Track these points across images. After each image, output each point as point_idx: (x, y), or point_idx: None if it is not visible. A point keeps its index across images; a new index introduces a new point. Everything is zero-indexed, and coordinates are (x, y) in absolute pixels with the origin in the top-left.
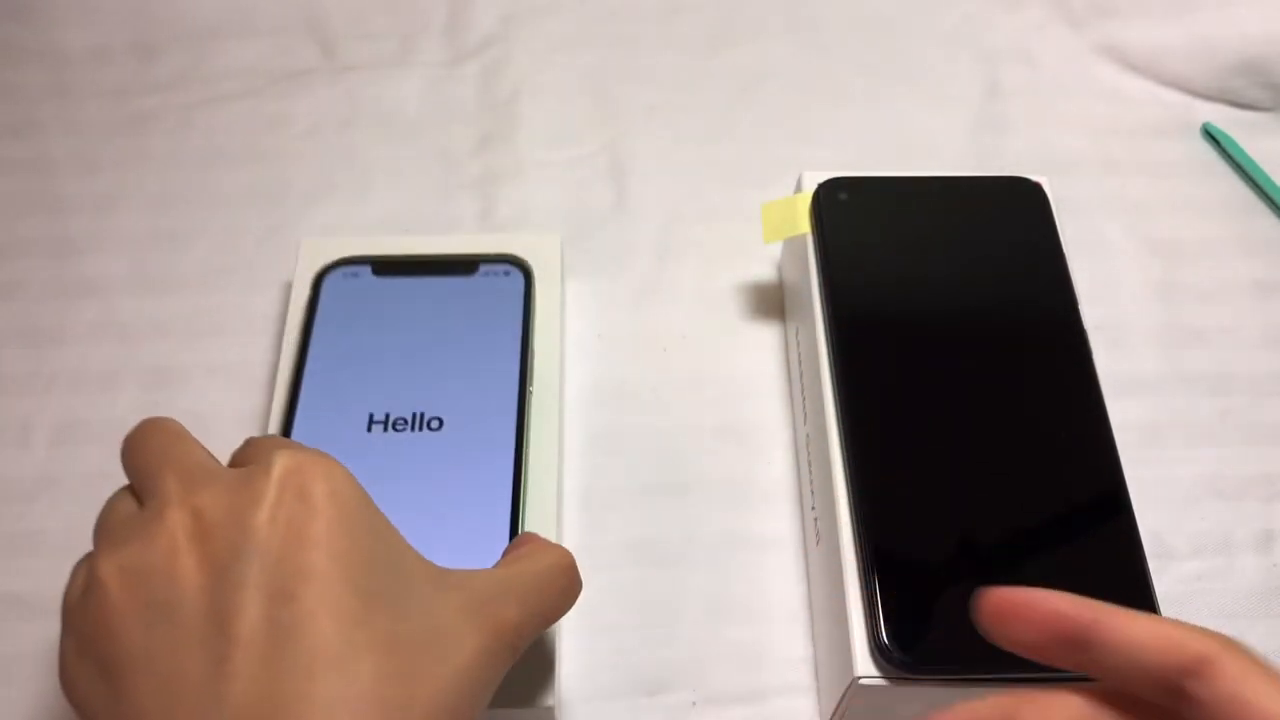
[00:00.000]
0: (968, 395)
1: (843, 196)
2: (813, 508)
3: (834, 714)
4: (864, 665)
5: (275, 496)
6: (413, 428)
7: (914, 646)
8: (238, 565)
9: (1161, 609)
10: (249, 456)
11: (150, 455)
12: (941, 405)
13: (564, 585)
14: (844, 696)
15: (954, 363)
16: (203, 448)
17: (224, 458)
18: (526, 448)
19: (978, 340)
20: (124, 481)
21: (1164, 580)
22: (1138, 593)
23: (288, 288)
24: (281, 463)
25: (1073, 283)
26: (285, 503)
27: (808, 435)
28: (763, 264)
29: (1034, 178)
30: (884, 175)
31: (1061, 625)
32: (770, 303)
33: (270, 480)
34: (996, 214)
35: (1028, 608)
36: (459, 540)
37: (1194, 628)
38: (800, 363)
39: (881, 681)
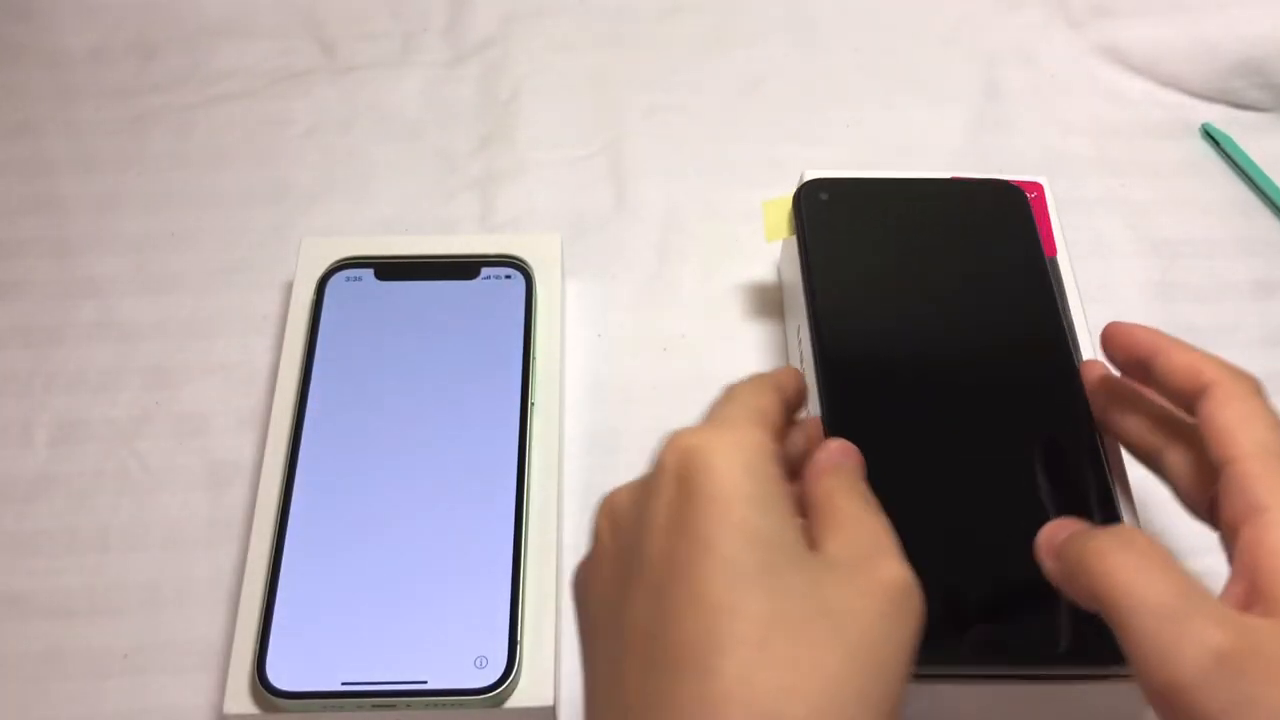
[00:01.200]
0: (948, 397)
1: (824, 197)
2: None
3: None
4: None
5: (664, 495)
6: (414, 429)
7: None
8: (634, 565)
9: None
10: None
11: None
12: (922, 408)
13: None
14: None
15: (933, 366)
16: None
17: (224, 457)
18: (528, 451)
19: (956, 343)
20: (121, 481)
21: None
22: None
23: (288, 288)
24: (670, 455)
25: (1052, 284)
26: (671, 500)
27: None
28: (763, 264)
29: (1034, 178)
30: (866, 176)
31: (1136, 349)
32: (770, 303)
33: (662, 476)
34: (979, 216)
35: (1117, 333)
36: (460, 541)
37: (1220, 361)
38: (801, 362)
39: None
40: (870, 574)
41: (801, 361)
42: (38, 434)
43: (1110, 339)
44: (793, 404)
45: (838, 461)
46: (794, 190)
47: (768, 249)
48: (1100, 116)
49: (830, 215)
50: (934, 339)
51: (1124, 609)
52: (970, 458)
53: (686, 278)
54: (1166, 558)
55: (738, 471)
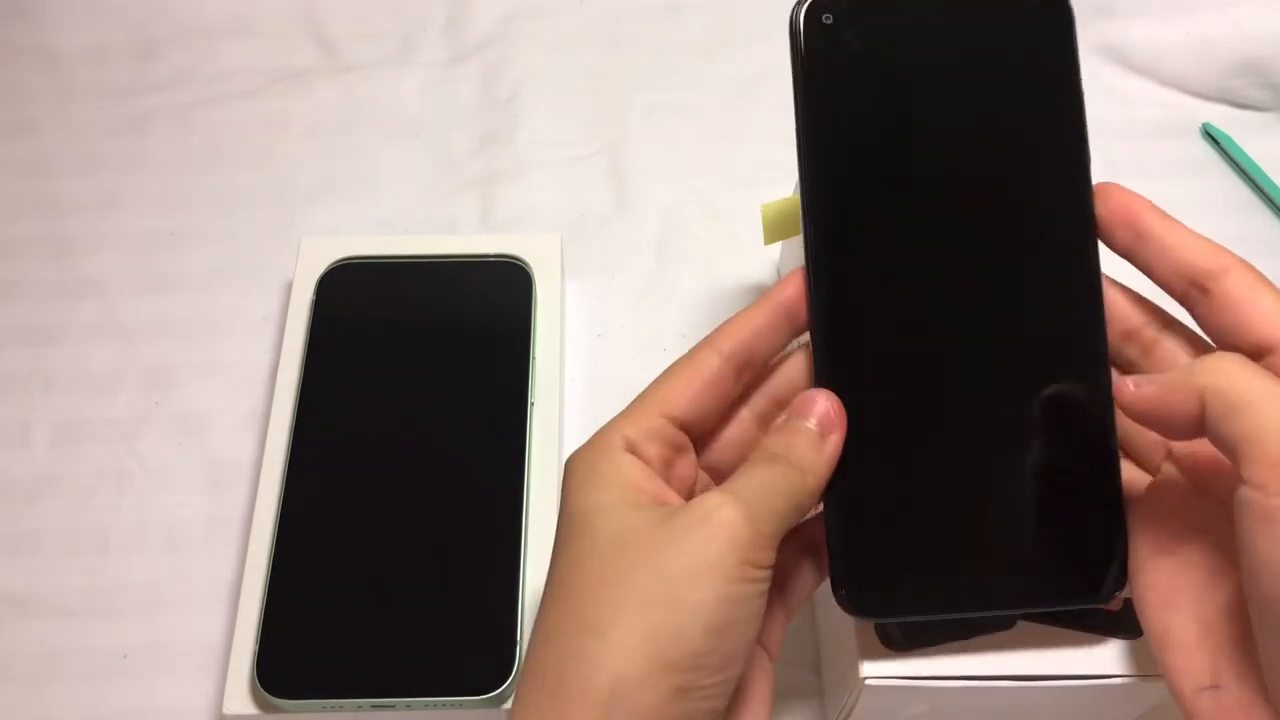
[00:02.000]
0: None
1: (827, 19)
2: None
3: (839, 715)
4: (871, 666)
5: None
6: (413, 429)
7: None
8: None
9: None
10: None
11: None
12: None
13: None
14: (849, 697)
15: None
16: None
17: (224, 457)
18: (528, 451)
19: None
20: (121, 481)
21: None
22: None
23: (288, 288)
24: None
25: (1086, 134)
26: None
27: None
28: (762, 264)
29: None
30: None
31: (1129, 214)
32: None
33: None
34: (1012, 40)
35: (1115, 200)
36: (460, 541)
37: (1228, 250)
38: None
39: (890, 682)
40: (684, 509)
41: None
42: (38, 434)
43: (1107, 199)
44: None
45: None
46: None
47: (768, 249)
48: (1101, 116)
49: (833, 42)
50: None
51: (1249, 396)
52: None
53: (686, 278)
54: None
55: (578, 470)
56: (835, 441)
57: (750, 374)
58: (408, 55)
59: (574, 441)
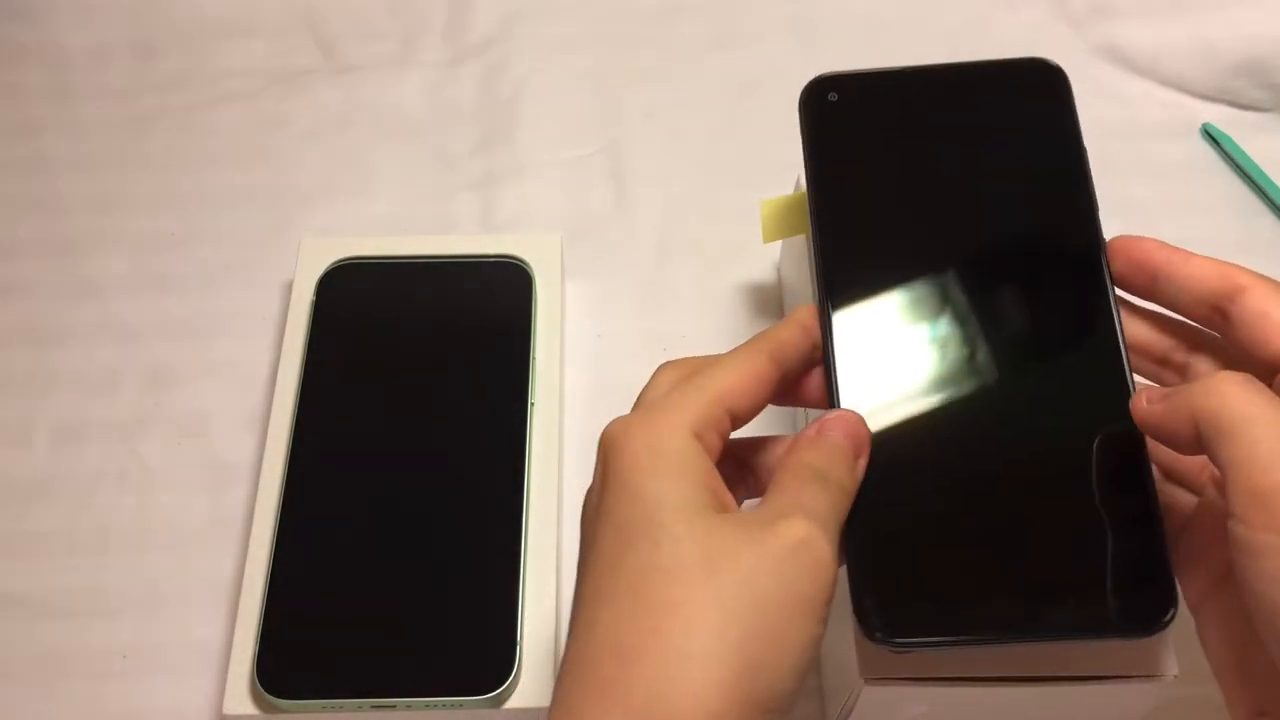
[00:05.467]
0: (963, 322)
1: (833, 97)
2: None
3: (838, 714)
4: (871, 667)
5: (595, 479)
6: (413, 429)
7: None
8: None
9: None
10: None
11: None
12: (937, 340)
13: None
14: (849, 699)
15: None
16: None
17: (224, 457)
18: (528, 450)
19: (972, 245)
20: (121, 481)
21: None
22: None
23: (288, 288)
24: (600, 444)
25: (1092, 184)
26: (596, 484)
27: None
28: (763, 264)
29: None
30: (881, 70)
31: (1140, 258)
32: (770, 303)
33: (596, 463)
34: (1010, 104)
35: (1127, 245)
36: (460, 541)
37: (1241, 267)
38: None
39: (890, 682)
40: (769, 529)
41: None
42: (38, 434)
43: (1119, 251)
44: (783, 358)
45: (819, 439)
46: (799, 190)
47: (768, 249)
48: (1101, 117)
49: (839, 119)
50: (949, 247)
51: (1238, 420)
52: (988, 393)
53: (686, 278)
54: (1269, 391)
55: (639, 450)
56: (863, 465)
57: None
58: (408, 55)
59: (574, 441)
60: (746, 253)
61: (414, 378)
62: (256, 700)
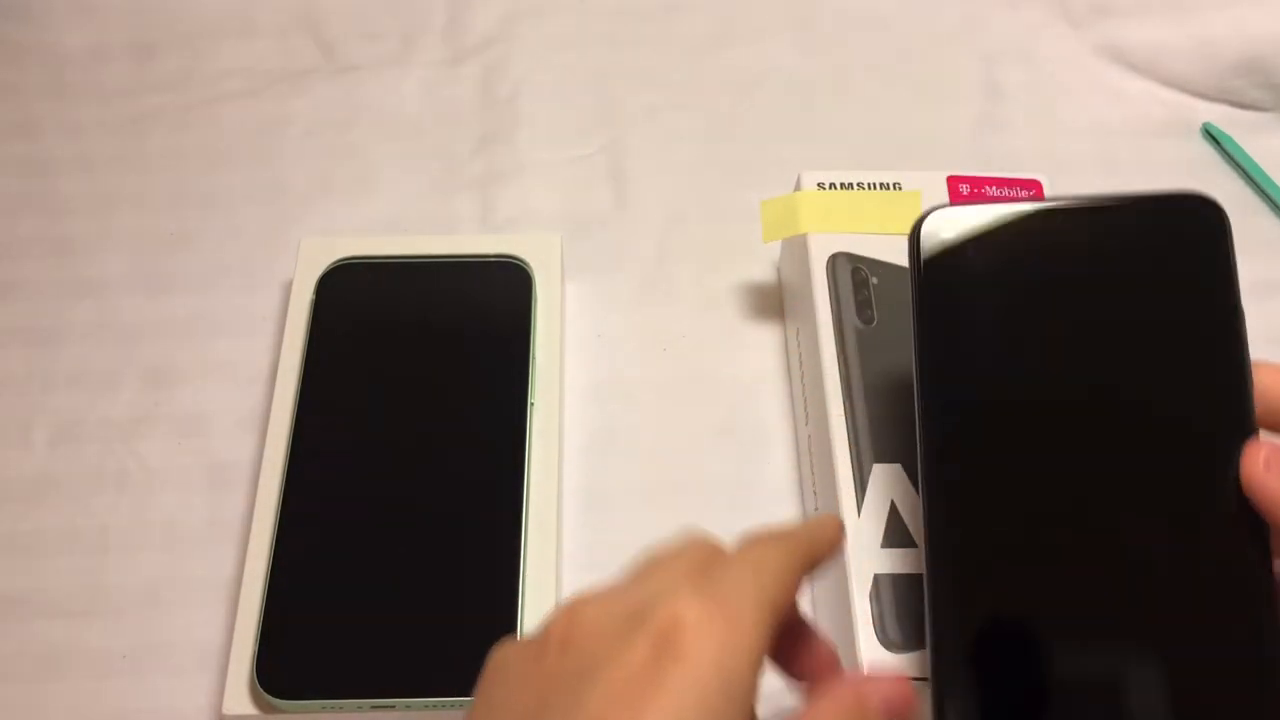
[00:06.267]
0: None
1: (947, 235)
2: (815, 508)
3: None
4: (871, 665)
5: (636, 650)
6: (413, 429)
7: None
8: (567, 697)
9: None
10: (653, 580)
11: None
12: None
13: None
14: None
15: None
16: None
17: (224, 457)
18: (528, 451)
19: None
20: (121, 481)
21: None
22: None
23: (288, 288)
24: (661, 613)
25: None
26: (641, 661)
27: (809, 435)
28: (763, 264)
29: (1040, 177)
30: (1002, 203)
31: None
32: (770, 303)
33: (641, 630)
34: (1155, 243)
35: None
36: (460, 541)
37: None
38: (800, 363)
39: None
40: None
41: (801, 362)
42: (37, 434)
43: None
44: (817, 559)
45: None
46: (800, 190)
47: (768, 249)
48: (1100, 116)
49: (956, 258)
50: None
51: None
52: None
53: (686, 278)
54: None
55: (709, 665)
56: None
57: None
58: (408, 55)
59: (574, 441)
60: (746, 253)
61: (414, 378)
62: (256, 700)
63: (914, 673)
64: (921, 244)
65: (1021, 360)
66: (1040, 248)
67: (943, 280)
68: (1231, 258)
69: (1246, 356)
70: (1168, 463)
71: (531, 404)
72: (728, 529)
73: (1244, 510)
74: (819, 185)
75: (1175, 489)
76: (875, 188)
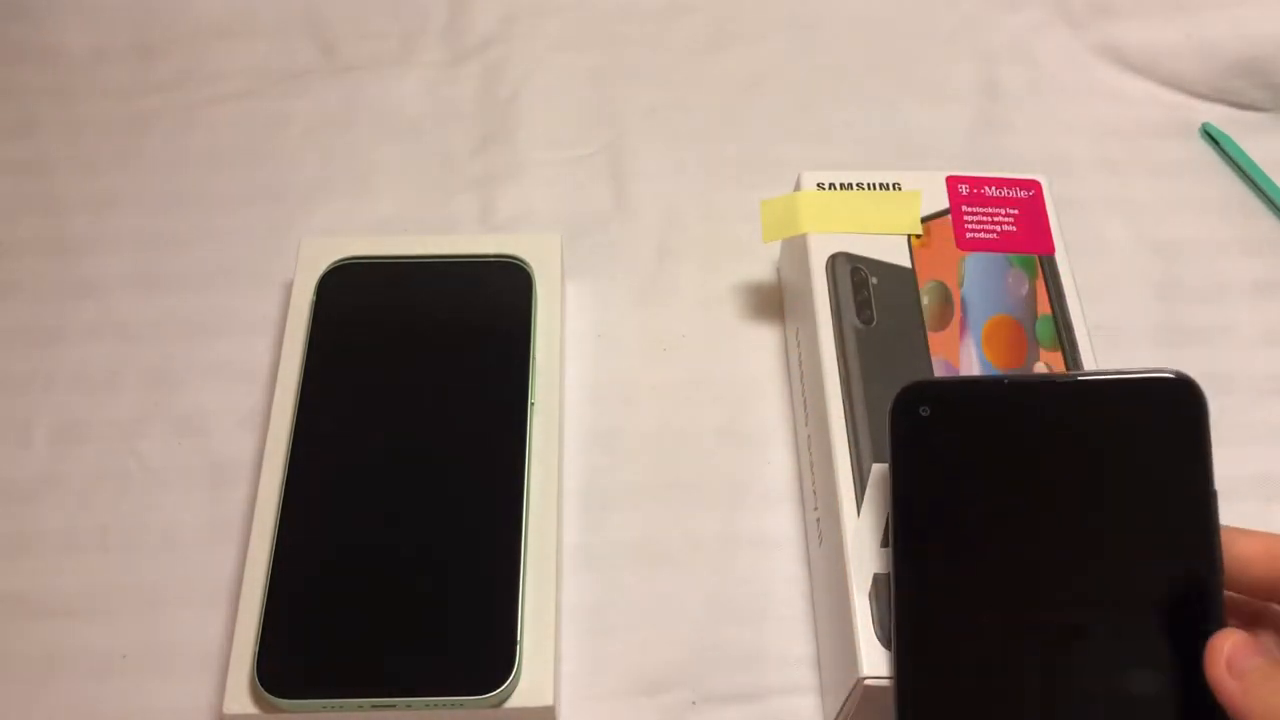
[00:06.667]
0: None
1: (924, 412)
2: (815, 508)
3: (838, 714)
4: (870, 665)
5: None
6: (413, 429)
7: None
8: None
9: None
10: None
11: None
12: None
13: None
14: (849, 697)
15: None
16: None
17: (224, 457)
18: (528, 450)
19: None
20: (121, 481)
21: None
22: None
23: (288, 288)
24: None
25: (1212, 507)
26: None
27: (809, 435)
28: (763, 264)
29: (1039, 177)
30: (980, 378)
31: None
32: (770, 303)
33: None
34: (1131, 424)
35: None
36: (460, 541)
37: None
38: (800, 363)
39: (889, 682)
40: None
41: (801, 362)
42: (38, 434)
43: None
44: None
45: None
46: (800, 190)
47: (767, 249)
48: (1100, 116)
49: (933, 435)
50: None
51: None
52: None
53: (686, 278)
54: None
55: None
56: None
57: None
58: (408, 55)
59: (574, 441)
60: (746, 253)
61: (414, 377)
62: (256, 700)
63: None
64: (894, 422)
65: (991, 540)
66: (1015, 423)
67: (918, 456)
68: (1208, 439)
69: (1218, 542)
70: (1133, 647)
71: (531, 404)
72: (727, 529)
73: (1207, 699)
74: (819, 185)
75: (1141, 673)
76: (875, 188)
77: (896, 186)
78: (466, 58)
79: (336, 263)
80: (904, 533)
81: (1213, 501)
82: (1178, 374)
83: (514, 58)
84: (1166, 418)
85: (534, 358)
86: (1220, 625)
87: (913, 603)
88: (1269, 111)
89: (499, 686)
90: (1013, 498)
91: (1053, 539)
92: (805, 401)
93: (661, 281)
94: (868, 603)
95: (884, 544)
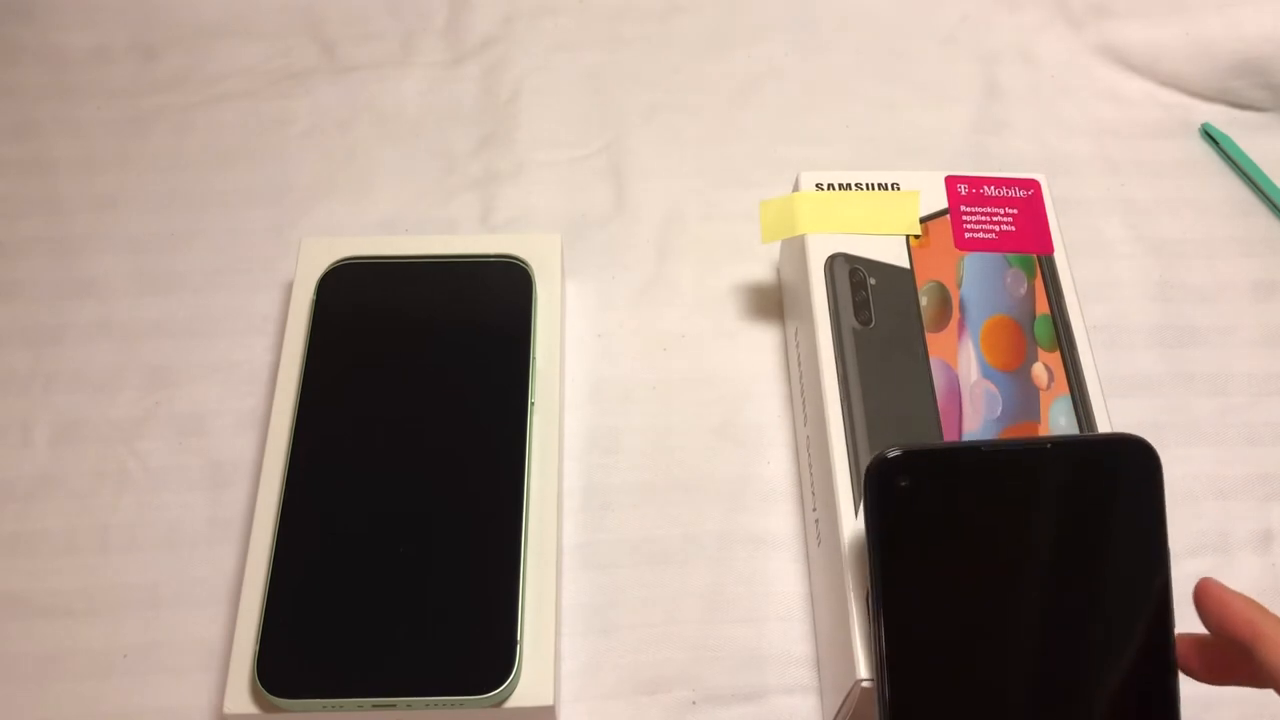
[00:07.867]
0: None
1: (904, 483)
2: (814, 508)
3: (837, 714)
4: (867, 667)
5: None
6: (413, 429)
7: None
8: None
9: None
10: None
11: None
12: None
13: None
14: (848, 697)
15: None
16: None
17: (224, 457)
18: (528, 450)
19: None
20: (122, 481)
21: None
22: None
23: (288, 288)
24: None
25: (1164, 549)
26: None
27: (808, 436)
28: (762, 264)
29: (1038, 177)
30: (954, 446)
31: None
32: (770, 303)
33: None
34: (1094, 484)
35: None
36: (460, 541)
37: (1262, 611)
38: (800, 363)
39: None
40: None
41: (801, 362)
42: (38, 434)
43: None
44: None
45: None
46: (799, 190)
47: (767, 249)
48: (1100, 116)
49: (910, 502)
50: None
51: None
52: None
53: (686, 278)
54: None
55: None
56: None
57: None
58: (408, 55)
59: (574, 441)
60: (746, 253)
61: (413, 378)
62: (257, 700)
63: None
64: (868, 487)
65: (960, 594)
66: (982, 487)
67: (894, 524)
68: (1161, 499)
69: (1170, 600)
70: (1100, 698)
71: (531, 404)
72: (727, 529)
73: None
74: (817, 186)
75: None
76: (874, 188)
77: (895, 187)
78: (466, 58)
79: (337, 263)
80: (886, 600)
81: (1166, 559)
82: (1133, 437)
83: (514, 58)
84: (1126, 478)
85: (534, 358)
86: (1172, 670)
87: (898, 668)
88: (1268, 111)
89: (499, 686)
90: (986, 560)
91: (1025, 598)
92: (804, 402)
93: (661, 281)
94: (865, 606)
95: (865, 603)
